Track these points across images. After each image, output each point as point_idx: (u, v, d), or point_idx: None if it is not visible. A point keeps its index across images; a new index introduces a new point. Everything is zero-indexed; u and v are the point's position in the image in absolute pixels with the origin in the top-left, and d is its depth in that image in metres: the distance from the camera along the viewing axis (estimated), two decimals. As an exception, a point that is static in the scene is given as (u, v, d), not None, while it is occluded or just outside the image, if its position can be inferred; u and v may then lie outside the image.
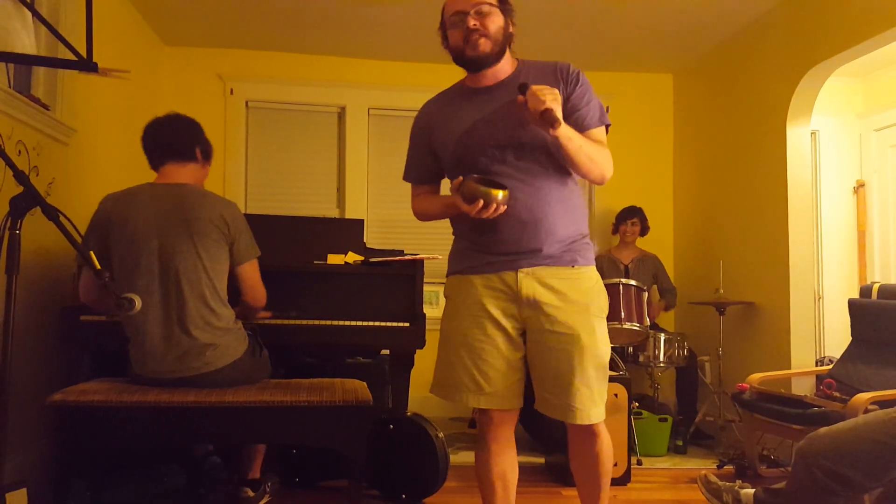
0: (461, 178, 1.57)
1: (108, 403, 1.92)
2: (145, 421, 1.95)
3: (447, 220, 1.84)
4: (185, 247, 2.00)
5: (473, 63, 1.67)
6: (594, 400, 1.64)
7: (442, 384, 1.74)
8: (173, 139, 2.15)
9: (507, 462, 1.76)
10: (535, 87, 1.54)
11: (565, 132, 1.56)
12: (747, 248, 3.68)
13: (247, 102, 4.27)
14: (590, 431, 1.69)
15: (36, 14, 1.79)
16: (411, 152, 1.84)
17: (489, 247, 1.68)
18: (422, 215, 1.85)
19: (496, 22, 1.65)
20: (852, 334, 3.14)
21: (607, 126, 1.74)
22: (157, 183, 2.13)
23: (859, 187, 4.29)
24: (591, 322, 1.66)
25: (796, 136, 3.39)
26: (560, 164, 1.66)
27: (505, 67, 1.71)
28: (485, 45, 1.64)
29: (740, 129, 3.80)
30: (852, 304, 3.17)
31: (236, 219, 2.09)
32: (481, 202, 1.52)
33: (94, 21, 1.60)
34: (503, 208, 1.55)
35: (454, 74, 1.80)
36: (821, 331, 4.14)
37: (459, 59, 1.69)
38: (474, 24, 1.62)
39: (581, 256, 1.69)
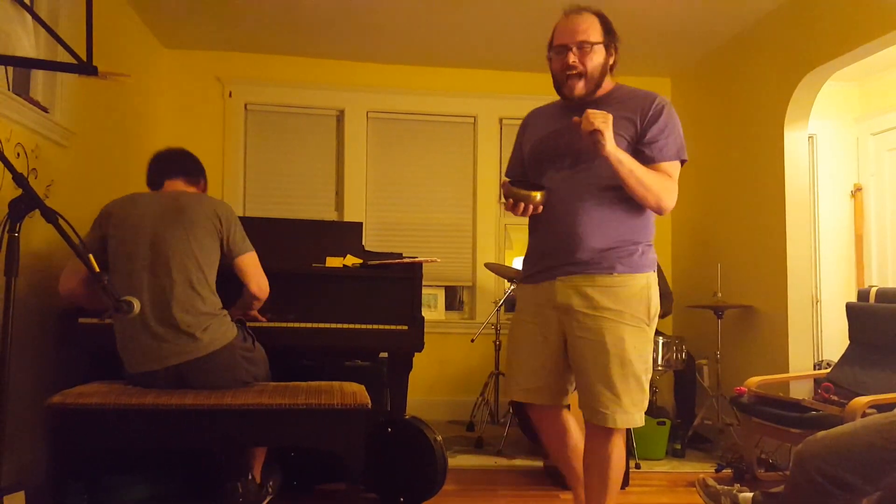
0: (506, 179, 1.80)
1: (106, 406, 1.91)
2: (143, 423, 1.95)
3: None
4: (176, 234, 2.07)
5: (569, 102, 1.78)
6: (622, 406, 1.69)
7: (506, 383, 1.94)
8: (187, 163, 2.31)
9: (571, 441, 1.88)
10: (588, 111, 1.62)
11: (615, 154, 1.63)
12: (745, 252, 3.68)
13: (245, 105, 4.27)
14: (605, 432, 1.73)
15: (35, 17, 1.79)
16: (512, 152, 2.02)
17: (536, 251, 1.85)
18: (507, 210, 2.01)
19: (596, 60, 1.74)
20: (850, 338, 3.14)
21: (683, 161, 1.81)
22: (162, 191, 2.25)
23: (856, 191, 4.30)
24: (620, 329, 1.70)
25: (794, 140, 3.40)
26: (617, 179, 1.70)
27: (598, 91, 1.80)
28: (580, 88, 1.74)
29: (738, 133, 3.81)
30: (850, 308, 3.17)
31: (228, 215, 2.18)
32: (512, 200, 1.71)
33: (94, 24, 1.60)
34: (539, 209, 1.72)
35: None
36: (818, 334, 4.15)
37: (557, 90, 1.81)
38: (573, 62, 1.71)
39: (622, 264, 1.72)
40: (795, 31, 3.33)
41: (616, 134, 1.66)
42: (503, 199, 1.75)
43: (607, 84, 1.81)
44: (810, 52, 3.22)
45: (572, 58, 1.71)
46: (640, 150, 1.73)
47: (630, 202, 1.74)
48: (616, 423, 1.69)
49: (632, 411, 1.71)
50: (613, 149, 1.63)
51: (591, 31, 1.73)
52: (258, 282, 2.20)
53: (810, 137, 4.14)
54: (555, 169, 1.76)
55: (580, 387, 1.77)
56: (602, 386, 1.69)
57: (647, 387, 1.74)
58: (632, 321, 1.71)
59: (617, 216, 1.73)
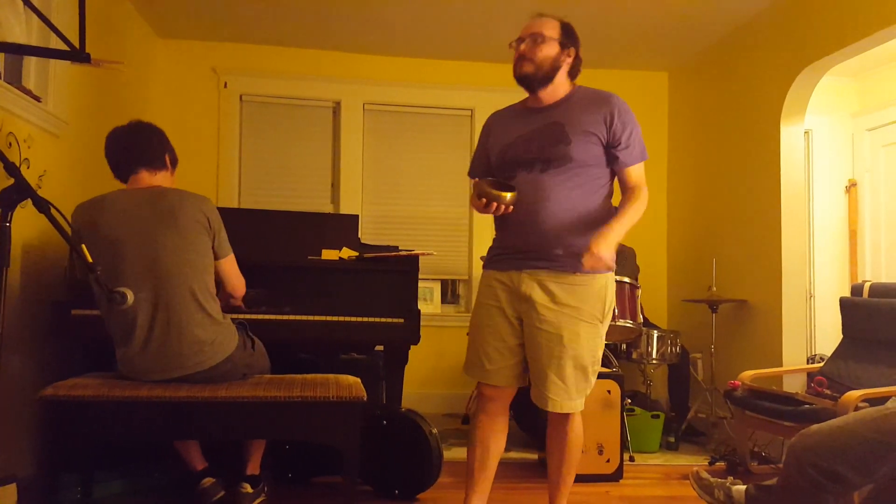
0: (478, 178, 1.89)
1: (99, 398, 1.90)
2: (137, 416, 1.94)
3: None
4: (170, 243, 1.97)
5: (519, 82, 1.93)
6: (569, 394, 1.87)
7: (466, 363, 2.04)
8: (145, 147, 2.11)
9: (493, 432, 2.00)
10: (593, 258, 1.73)
11: (612, 248, 1.76)
12: (740, 247, 3.69)
13: (241, 96, 4.24)
14: (564, 417, 1.92)
15: (27, 3, 1.76)
16: (475, 152, 2.12)
17: (504, 244, 1.95)
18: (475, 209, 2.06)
19: (545, 51, 1.88)
20: (843, 332, 3.16)
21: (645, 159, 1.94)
22: (130, 188, 2.09)
23: (851, 186, 4.31)
24: (577, 325, 1.85)
25: (790, 135, 3.40)
26: (586, 182, 1.86)
27: (556, 93, 1.92)
28: (527, 67, 1.89)
29: (735, 128, 3.82)
30: (843, 303, 3.19)
31: (216, 216, 2.08)
32: (485, 200, 1.80)
33: (87, 12, 1.58)
34: (510, 209, 1.82)
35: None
36: (812, 329, 4.17)
37: (514, 76, 1.93)
38: (523, 49, 1.89)
39: None
40: (792, 27, 3.33)
41: (589, 135, 1.84)
42: (476, 198, 1.82)
43: (566, 86, 1.93)
44: (807, 47, 3.22)
45: (522, 46, 1.89)
46: (614, 156, 1.87)
47: (592, 206, 1.88)
48: (562, 409, 1.87)
49: (576, 398, 1.88)
50: (609, 249, 1.74)
51: (547, 27, 1.89)
52: (234, 283, 2.18)
53: (806, 133, 4.14)
54: (526, 172, 1.87)
55: (532, 373, 1.91)
56: (554, 375, 1.84)
57: (592, 377, 1.91)
58: (588, 318, 1.86)
59: (581, 218, 1.86)
